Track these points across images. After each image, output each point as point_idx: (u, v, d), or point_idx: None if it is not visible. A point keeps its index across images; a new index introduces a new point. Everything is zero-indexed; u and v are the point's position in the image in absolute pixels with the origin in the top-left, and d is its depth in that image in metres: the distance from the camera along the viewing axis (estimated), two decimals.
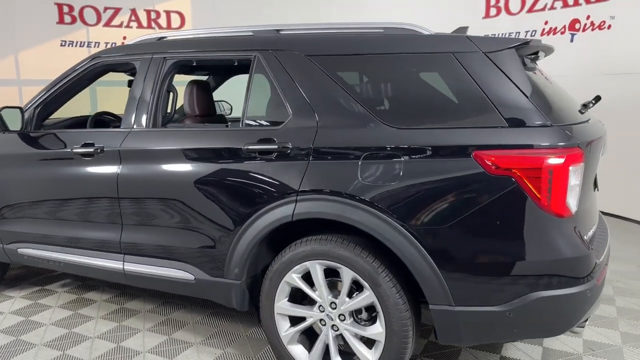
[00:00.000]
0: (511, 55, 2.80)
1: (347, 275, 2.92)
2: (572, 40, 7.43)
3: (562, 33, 7.58)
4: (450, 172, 2.70)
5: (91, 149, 3.63)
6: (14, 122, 3.92)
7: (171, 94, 5.04)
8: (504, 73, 2.75)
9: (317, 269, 2.98)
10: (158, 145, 3.49)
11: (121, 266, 3.67)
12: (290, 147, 3.02)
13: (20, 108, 3.96)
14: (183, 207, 3.37)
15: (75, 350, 3.66)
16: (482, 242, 2.71)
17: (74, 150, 3.69)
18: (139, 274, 3.62)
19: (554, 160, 2.55)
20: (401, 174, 2.77)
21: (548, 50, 3.23)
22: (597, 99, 3.21)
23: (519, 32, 8.09)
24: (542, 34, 7.75)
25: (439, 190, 2.72)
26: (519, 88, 2.71)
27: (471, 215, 2.67)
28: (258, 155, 3.11)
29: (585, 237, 2.77)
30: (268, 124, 3.24)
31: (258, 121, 3.28)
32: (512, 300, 2.66)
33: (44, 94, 4.05)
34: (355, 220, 2.84)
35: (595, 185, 3.34)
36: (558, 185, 2.56)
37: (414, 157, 2.77)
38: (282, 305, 3.12)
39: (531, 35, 7.93)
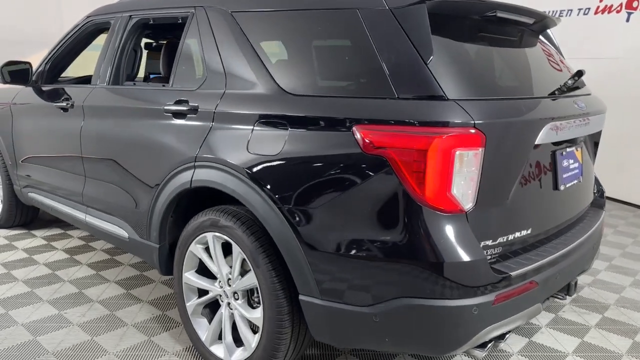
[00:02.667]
0: (418, 12, 2.29)
1: (235, 251, 2.69)
2: (628, 20, 6.55)
3: (618, 12, 6.62)
4: (328, 148, 2.33)
5: (64, 104, 3.75)
6: (22, 76, 4.16)
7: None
8: (406, 34, 2.27)
9: (213, 242, 2.79)
10: (107, 102, 3.53)
11: (84, 217, 3.79)
12: (198, 110, 2.83)
13: (28, 63, 4.18)
14: (117, 166, 3.39)
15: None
16: (350, 230, 2.31)
17: (55, 104, 3.83)
18: (95, 227, 3.72)
19: (431, 141, 2.08)
20: (283, 146, 2.46)
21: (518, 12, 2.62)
22: (579, 74, 2.61)
23: (571, 10, 7.18)
24: (595, 12, 6.85)
25: (316, 168, 2.38)
26: (418, 53, 2.22)
27: (342, 199, 2.31)
28: (173, 117, 2.96)
29: (489, 241, 2.26)
30: (190, 85, 3.06)
31: (185, 82, 3.12)
32: (377, 303, 2.26)
33: (52, 51, 4.26)
34: (237, 193, 2.60)
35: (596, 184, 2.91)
36: (436, 172, 2.09)
37: (298, 128, 2.44)
38: (188, 276, 2.98)
39: (584, 14, 7.00)
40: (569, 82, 2.63)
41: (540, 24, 2.86)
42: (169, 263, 3.19)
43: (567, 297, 2.79)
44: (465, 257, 2.15)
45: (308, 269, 2.39)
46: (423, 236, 2.15)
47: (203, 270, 2.97)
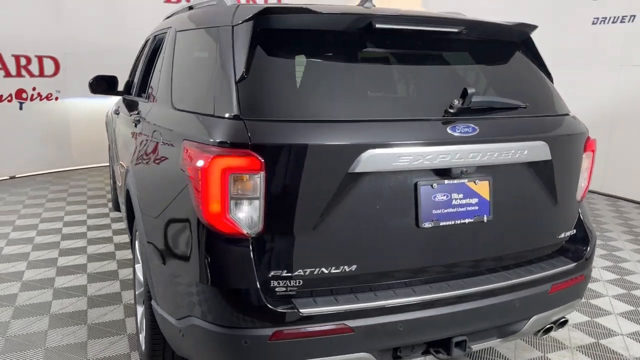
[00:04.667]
0: (245, 30, 2.24)
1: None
2: None
3: None
4: (170, 161, 2.44)
5: (137, 116, 4.10)
6: (108, 88, 4.75)
7: None
8: (233, 51, 2.24)
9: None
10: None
11: None
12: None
13: (114, 76, 4.78)
14: None
15: None
16: (163, 244, 2.40)
17: (131, 115, 4.25)
18: None
19: (208, 161, 2.03)
20: (147, 155, 2.73)
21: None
22: (464, 94, 2.27)
23: (634, 16, 6.63)
24: None
25: (157, 180, 2.59)
26: (234, 70, 2.17)
27: (165, 212, 2.42)
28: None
29: (282, 272, 2.10)
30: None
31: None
32: (180, 318, 2.27)
33: (134, 62, 4.80)
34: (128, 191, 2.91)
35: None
36: (212, 193, 2.03)
37: (159, 140, 2.64)
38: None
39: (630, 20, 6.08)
40: (456, 102, 2.26)
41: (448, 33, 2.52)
42: None
43: (447, 356, 2.37)
44: (234, 283, 2.06)
45: (149, 275, 2.50)
46: (203, 257, 2.11)
47: None
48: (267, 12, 2.20)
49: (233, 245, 2.07)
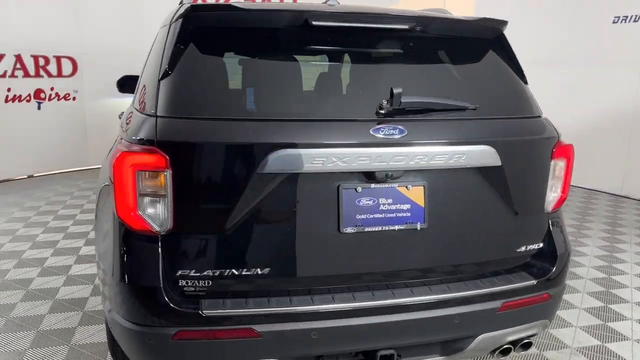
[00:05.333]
0: (176, 27, 2.23)
1: None
2: None
3: None
4: None
5: None
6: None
7: None
8: (164, 48, 2.25)
9: None
10: None
11: None
12: None
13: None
14: None
15: None
16: (98, 237, 2.49)
17: None
18: None
19: (116, 157, 2.02)
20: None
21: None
22: (391, 94, 2.15)
23: None
24: None
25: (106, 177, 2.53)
26: (160, 68, 2.18)
27: (99, 208, 2.49)
28: None
29: (190, 272, 2.05)
30: None
31: None
32: (109, 311, 2.27)
33: None
34: None
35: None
36: (121, 189, 2.02)
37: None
38: None
39: None
40: (385, 103, 2.14)
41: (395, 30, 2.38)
42: None
43: None
44: (141, 281, 2.04)
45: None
46: (117, 253, 2.09)
47: None
48: (195, 9, 2.17)
49: (142, 242, 2.05)
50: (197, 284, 2.06)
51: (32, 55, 8.15)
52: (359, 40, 2.41)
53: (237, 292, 2.12)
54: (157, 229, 2.01)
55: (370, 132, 2.10)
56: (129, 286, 2.05)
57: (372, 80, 2.36)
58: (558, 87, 7.74)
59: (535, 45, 7.61)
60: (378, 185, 2.16)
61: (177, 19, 2.22)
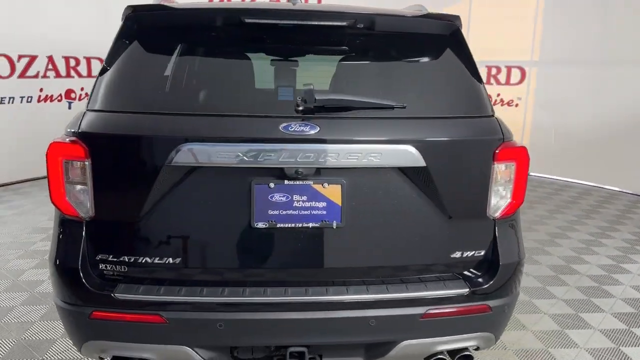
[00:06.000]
0: (121, 26, 2.39)
1: None
2: None
3: None
4: None
5: None
6: None
7: None
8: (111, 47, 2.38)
9: None
10: None
11: None
12: None
13: None
14: None
15: None
16: None
17: None
18: None
19: (49, 148, 2.20)
20: None
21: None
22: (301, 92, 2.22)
23: None
24: None
25: None
26: (106, 63, 2.36)
27: None
28: None
29: (108, 256, 2.22)
30: None
31: None
32: None
33: None
34: None
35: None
36: (52, 177, 2.20)
37: None
38: None
39: None
40: (299, 100, 2.19)
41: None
42: None
43: None
44: (67, 262, 2.19)
45: None
46: (54, 235, 2.29)
47: None
48: (134, 10, 2.32)
49: (71, 227, 2.22)
50: (115, 269, 2.21)
51: (63, 57, 8.54)
52: (286, 38, 2.46)
53: (153, 279, 2.24)
54: (82, 214, 2.17)
55: (280, 128, 2.15)
56: (58, 267, 2.22)
57: (295, 78, 2.44)
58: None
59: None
60: (292, 182, 2.20)
61: (123, 18, 2.38)
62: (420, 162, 2.20)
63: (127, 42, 2.32)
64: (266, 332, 2.25)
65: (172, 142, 2.09)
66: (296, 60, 2.55)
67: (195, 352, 2.21)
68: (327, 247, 2.27)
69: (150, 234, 2.19)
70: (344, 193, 2.24)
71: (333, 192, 2.24)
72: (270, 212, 2.20)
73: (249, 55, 2.54)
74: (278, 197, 2.21)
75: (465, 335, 2.35)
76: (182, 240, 2.21)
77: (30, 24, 7.95)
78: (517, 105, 9.20)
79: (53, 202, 2.21)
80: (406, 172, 2.24)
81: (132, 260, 2.19)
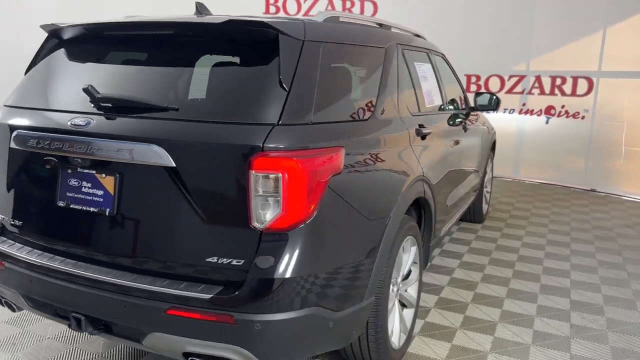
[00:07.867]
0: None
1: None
2: None
3: None
4: None
5: None
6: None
7: None
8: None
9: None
10: None
11: None
12: None
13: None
14: None
15: None
16: None
17: None
18: None
19: None
20: None
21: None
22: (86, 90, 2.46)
23: None
24: None
25: None
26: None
27: None
28: None
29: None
30: None
31: None
32: None
33: None
34: None
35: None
36: None
37: None
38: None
39: None
40: (88, 97, 2.42)
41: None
42: None
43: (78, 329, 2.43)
44: None
45: None
46: None
47: None
48: (53, 25, 2.83)
49: None
50: None
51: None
52: (119, 47, 2.79)
53: (9, 232, 2.72)
54: None
55: (68, 122, 2.44)
56: None
57: (99, 79, 2.64)
58: None
59: None
60: (82, 170, 2.43)
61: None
62: (170, 163, 2.24)
63: (43, 51, 2.86)
64: (50, 294, 2.50)
65: (9, 129, 2.61)
66: (127, 64, 2.77)
67: (20, 296, 2.62)
68: (100, 231, 2.46)
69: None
70: (117, 184, 2.36)
71: (108, 182, 2.38)
72: (68, 194, 2.46)
73: (91, 61, 2.82)
74: (73, 182, 2.45)
75: (212, 343, 2.25)
76: (15, 205, 2.66)
77: None
78: (583, 117, 8.58)
79: None
80: (170, 172, 2.27)
81: None
